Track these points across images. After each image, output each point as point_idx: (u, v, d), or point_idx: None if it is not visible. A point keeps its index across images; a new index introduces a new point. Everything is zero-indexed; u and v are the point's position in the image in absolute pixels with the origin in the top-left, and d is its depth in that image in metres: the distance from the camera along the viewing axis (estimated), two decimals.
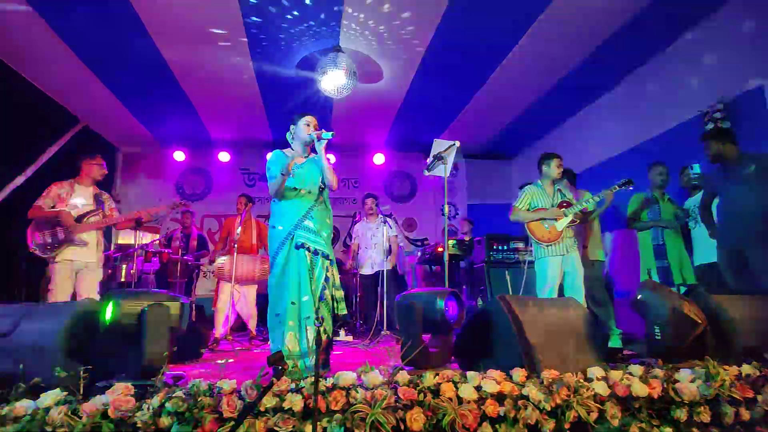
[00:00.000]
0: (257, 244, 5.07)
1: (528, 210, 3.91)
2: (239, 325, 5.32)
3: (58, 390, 1.69)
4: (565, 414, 1.83)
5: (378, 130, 7.63)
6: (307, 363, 2.56)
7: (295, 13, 4.52)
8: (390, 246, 5.28)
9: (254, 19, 4.57)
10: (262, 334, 5.50)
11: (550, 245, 3.75)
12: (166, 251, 5.70)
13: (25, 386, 1.72)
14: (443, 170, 3.43)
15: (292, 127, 3.05)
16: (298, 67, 5.50)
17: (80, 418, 1.60)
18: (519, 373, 1.94)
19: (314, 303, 2.67)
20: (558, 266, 3.73)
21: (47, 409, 1.61)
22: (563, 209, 3.81)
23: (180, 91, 6.05)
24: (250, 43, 5.00)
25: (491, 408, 1.79)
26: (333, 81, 5.02)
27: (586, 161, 6.32)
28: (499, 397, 1.85)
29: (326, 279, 2.79)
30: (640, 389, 1.92)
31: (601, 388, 1.91)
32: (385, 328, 4.69)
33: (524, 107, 6.76)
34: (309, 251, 2.76)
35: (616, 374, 1.99)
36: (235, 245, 4.45)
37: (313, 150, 2.99)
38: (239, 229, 4.66)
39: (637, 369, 2.05)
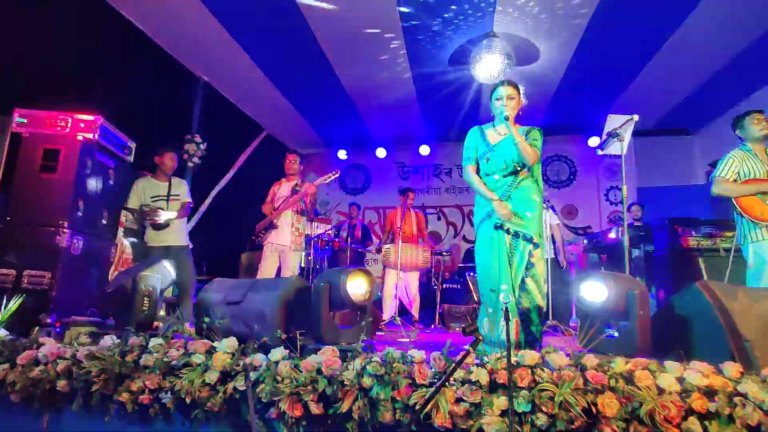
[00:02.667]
0: (417, 233, 5.32)
1: (736, 181, 3.13)
2: (402, 310, 5.65)
3: (282, 348, 2.03)
4: None
5: (533, 112, 7.30)
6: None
7: (452, 7, 4.60)
8: (553, 234, 5.05)
9: (410, 12, 4.75)
10: (424, 318, 5.77)
11: None
12: (337, 240, 6.33)
13: (259, 343, 2.11)
14: (619, 147, 3.15)
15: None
16: (452, 57, 5.57)
17: (301, 372, 1.91)
18: (733, 368, 1.72)
19: (513, 292, 2.45)
20: None
21: (277, 363, 1.95)
22: None
23: (345, 96, 6.63)
24: (407, 43, 5.24)
25: (699, 402, 1.63)
26: (487, 67, 4.98)
27: None
28: (708, 392, 1.67)
29: (529, 265, 2.50)
30: None
31: None
32: (550, 318, 4.52)
33: (710, 73, 5.79)
34: (508, 233, 2.53)
35: None
36: (400, 234, 4.73)
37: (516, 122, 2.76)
38: (401, 221, 4.96)
39: None
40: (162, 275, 2.61)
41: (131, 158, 3.65)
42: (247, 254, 6.64)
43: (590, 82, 6.18)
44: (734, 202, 3.13)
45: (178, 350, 2.07)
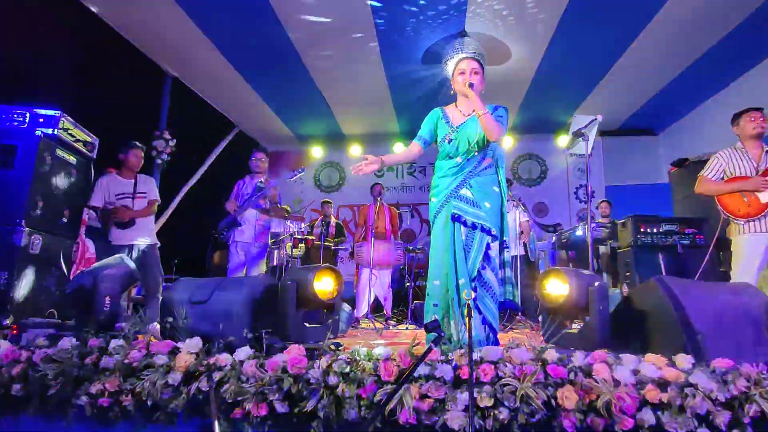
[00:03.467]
0: (390, 229, 5.34)
1: (722, 179, 3.18)
2: (376, 307, 5.66)
3: (248, 347, 2.01)
4: (743, 407, 1.65)
5: None
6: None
7: (422, 3, 4.62)
8: (522, 231, 5.15)
9: (383, 10, 4.75)
10: (397, 315, 5.80)
11: (751, 221, 3.04)
12: (310, 238, 6.29)
13: (223, 343, 2.08)
14: (584, 147, 3.24)
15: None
16: (425, 56, 5.60)
17: (266, 371, 1.90)
18: (684, 360, 1.79)
19: (469, 285, 2.35)
20: (761, 246, 3.01)
21: (242, 362, 1.93)
22: None
23: (317, 93, 6.58)
24: (379, 40, 5.24)
25: (652, 393, 1.69)
26: None
27: None
28: (661, 384, 1.73)
29: (487, 258, 2.40)
30: None
31: None
32: (520, 312, 4.61)
33: (673, 75, 5.99)
34: (465, 225, 2.40)
35: None
36: (372, 232, 4.74)
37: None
38: (374, 217, 4.97)
39: None
40: (124, 274, 2.54)
41: (94, 155, 3.54)
42: (218, 253, 6.54)
43: (560, 83, 6.31)
44: (716, 200, 3.19)
45: (140, 351, 2.02)
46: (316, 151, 8.60)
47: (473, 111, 2.58)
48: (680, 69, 5.83)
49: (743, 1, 4.42)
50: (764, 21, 4.60)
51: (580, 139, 3.24)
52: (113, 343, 2.06)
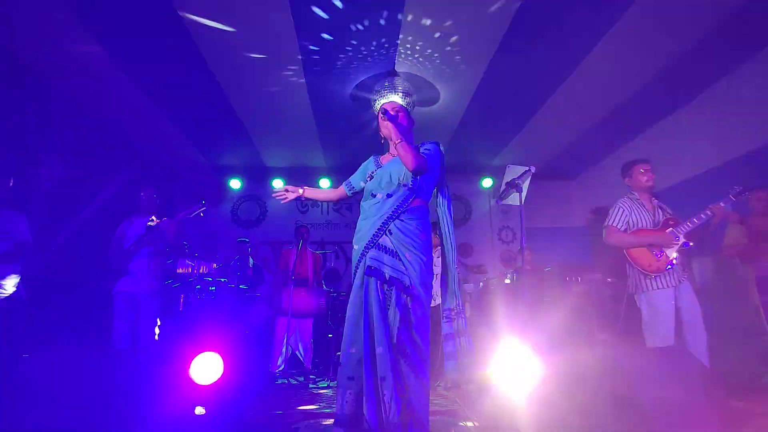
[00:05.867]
0: (313, 276, 4.92)
1: (626, 230, 3.15)
2: (295, 359, 5.15)
3: None
4: None
5: None
6: None
7: (353, 42, 4.44)
8: None
9: (310, 45, 4.51)
10: (318, 368, 5.31)
11: (659, 277, 3.01)
12: (222, 281, 5.66)
13: None
14: (518, 198, 3.12)
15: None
16: (353, 92, 5.41)
17: None
18: None
19: (389, 354, 1.94)
20: (671, 300, 2.98)
21: None
22: (671, 230, 3.06)
23: (237, 121, 6.11)
24: (305, 72, 4.96)
25: None
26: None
27: (660, 182, 5.78)
28: None
29: (403, 322, 2.03)
30: None
31: None
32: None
33: (588, 126, 6.35)
34: (383, 280, 2.08)
35: None
36: (292, 278, 4.30)
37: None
38: (295, 262, 4.54)
39: None
40: None
41: None
42: None
43: (485, 128, 6.42)
44: (625, 253, 3.14)
45: None
46: (235, 183, 8.01)
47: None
48: (593, 121, 6.17)
49: (649, 64, 4.77)
50: (667, 82, 4.99)
51: (513, 190, 3.13)
52: None
